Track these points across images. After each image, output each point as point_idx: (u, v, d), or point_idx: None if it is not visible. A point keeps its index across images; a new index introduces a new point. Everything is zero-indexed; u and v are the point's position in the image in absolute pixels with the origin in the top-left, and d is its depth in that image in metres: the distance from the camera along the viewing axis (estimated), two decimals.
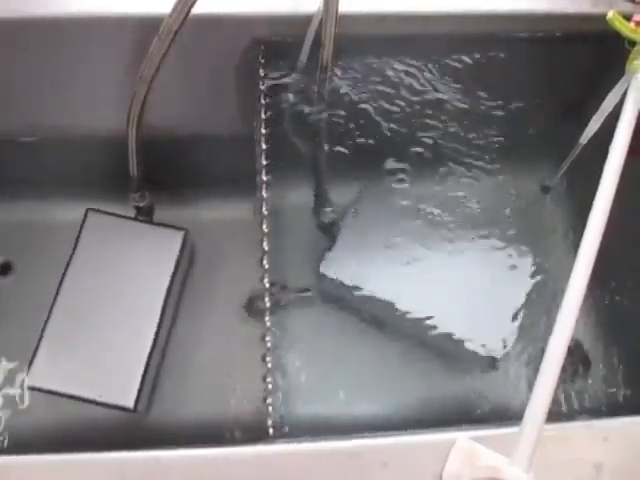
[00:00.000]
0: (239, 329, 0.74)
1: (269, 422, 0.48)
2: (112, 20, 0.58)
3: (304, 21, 0.55)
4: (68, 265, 0.67)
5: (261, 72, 0.59)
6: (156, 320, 0.66)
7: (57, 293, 0.66)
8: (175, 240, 0.69)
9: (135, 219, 0.71)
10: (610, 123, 0.51)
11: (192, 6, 0.49)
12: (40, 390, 0.63)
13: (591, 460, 0.45)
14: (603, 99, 0.54)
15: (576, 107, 0.66)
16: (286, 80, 0.60)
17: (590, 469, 0.45)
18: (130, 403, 0.63)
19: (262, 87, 0.58)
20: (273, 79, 0.59)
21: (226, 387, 0.71)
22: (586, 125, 0.58)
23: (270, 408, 0.48)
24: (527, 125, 0.70)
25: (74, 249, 0.68)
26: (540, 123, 0.70)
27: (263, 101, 0.58)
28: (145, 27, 0.57)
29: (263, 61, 0.59)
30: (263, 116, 0.58)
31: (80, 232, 0.68)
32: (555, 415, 0.43)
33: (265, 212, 0.55)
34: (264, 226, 0.54)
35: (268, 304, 0.52)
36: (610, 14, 0.48)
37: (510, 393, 0.67)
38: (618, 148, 0.47)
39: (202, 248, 0.77)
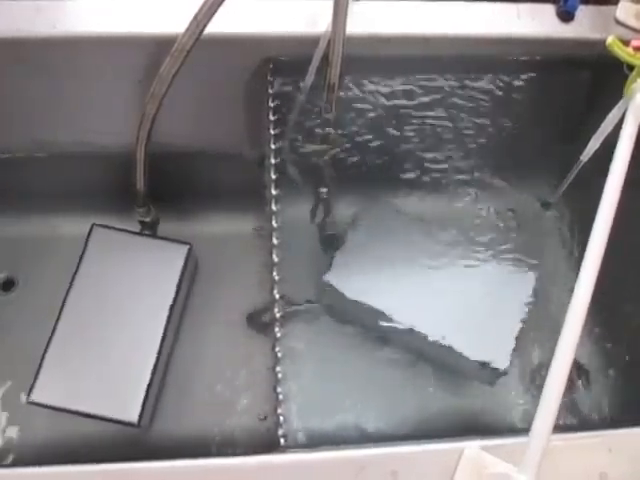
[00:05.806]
0: (242, 342, 0.74)
1: (280, 432, 0.48)
2: (123, 39, 0.58)
3: (313, 41, 0.57)
4: (73, 280, 0.67)
5: (270, 90, 0.60)
6: (160, 334, 0.66)
7: (62, 308, 0.66)
8: (179, 255, 0.69)
9: (140, 234, 0.71)
10: (610, 140, 0.53)
11: (205, 26, 0.50)
12: (44, 406, 0.62)
13: (596, 470, 0.46)
14: (603, 118, 0.56)
15: (577, 126, 0.68)
16: (294, 98, 0.61)
17: (595, 478, 0.45)
18: (134, 418, 0.62)
19: (271, 104, 0.59)
20: (282, 97, 0.60)
21: (230, 400, 0.71)
22: (587, 143, 0.59)
23: (281, 418, 0.48)
24: (528, 143, 0.71)
25: (79, 264, 0.68)
26: (541, 141, 0.72)
27: (272, 117, 0.59)
28: (156, 46, 0.58)
29: (272, 79, 0.60)
30: (272, 132, 0.59)
31: (85, 247, 0.68)
32: (561, 425, 0.44)
33: (275, 225, 0.55)
34: (274, 238, 0.55)
35: (278, 315, 0.52)
36: (609, 40, 0.50)
37: (515, 405, 0.68)
38: (618, 168, 0.49)
39: (205, 262, 0.77)
